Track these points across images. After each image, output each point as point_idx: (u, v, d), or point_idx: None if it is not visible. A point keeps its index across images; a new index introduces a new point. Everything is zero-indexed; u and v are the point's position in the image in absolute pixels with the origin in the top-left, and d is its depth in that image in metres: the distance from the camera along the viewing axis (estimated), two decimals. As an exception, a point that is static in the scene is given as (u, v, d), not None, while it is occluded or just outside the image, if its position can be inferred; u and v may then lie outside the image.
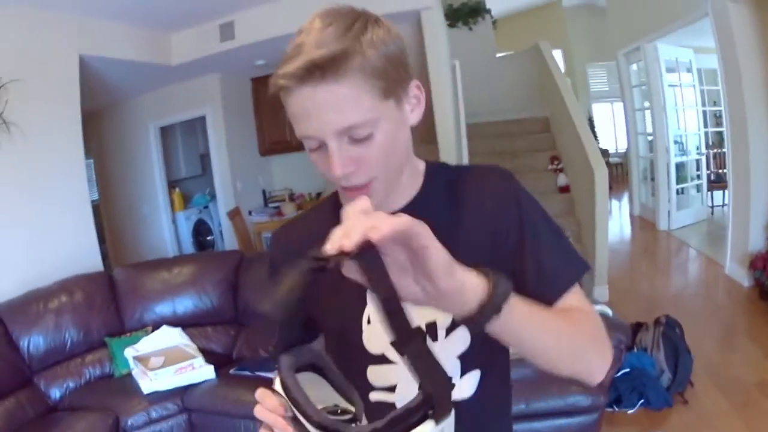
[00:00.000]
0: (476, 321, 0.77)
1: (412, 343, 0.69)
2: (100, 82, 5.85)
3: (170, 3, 5.17)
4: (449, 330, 0.98)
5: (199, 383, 3.40)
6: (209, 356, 3.58)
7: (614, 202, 11.08)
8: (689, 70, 8.44)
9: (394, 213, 0.91)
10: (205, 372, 3.43)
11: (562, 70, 12.60)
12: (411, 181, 1.07)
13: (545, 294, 0.97)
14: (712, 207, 8.85)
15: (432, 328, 0.98)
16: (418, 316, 0.87)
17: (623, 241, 8.53)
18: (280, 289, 0.69)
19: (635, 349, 3.82)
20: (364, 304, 1.01)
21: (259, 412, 0.77)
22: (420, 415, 0.66)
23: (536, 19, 13.81)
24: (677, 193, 8.35)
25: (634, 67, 9.13)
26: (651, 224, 8.60)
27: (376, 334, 1.01)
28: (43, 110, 4.43)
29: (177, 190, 8.31)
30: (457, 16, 9.87)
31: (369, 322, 1.02)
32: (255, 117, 8.22)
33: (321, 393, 0.74)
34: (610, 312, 3.21)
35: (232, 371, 3.51)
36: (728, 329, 4.78)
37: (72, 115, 4.77)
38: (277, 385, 0.72)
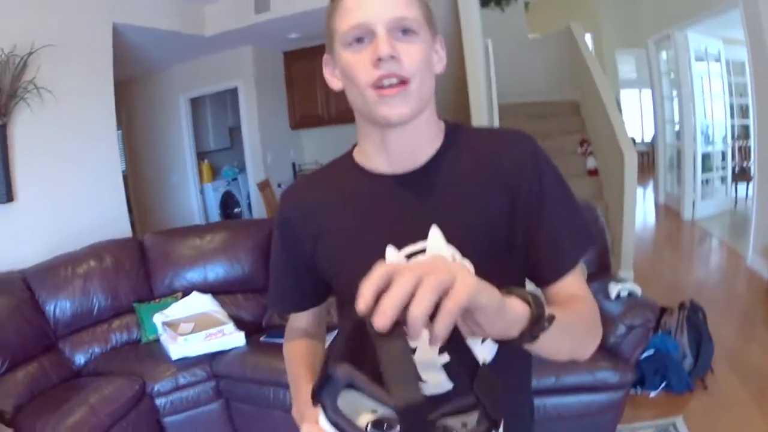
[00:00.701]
0: (513, 343, 0.82)
1: (481, 378, 0.74)
2: (132, 52, 5.88)
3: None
4: None
5: (228, 350, 3.40)
6: (239, 324, 3.57)
7: (639, 190, 11.01)
8: (717, 60, 8.37)
9: (425, 164, 1.02)
10: (236, 339, 3.43)
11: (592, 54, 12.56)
12: (433, 135, 1.10)
13: (553, 266, 1.03)
14: (736, 199, 8.81)
15: None
16: None
17: (647, 228, 8.49)
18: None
19: (659, 331, 3.84)
20: (382, 255, 1.03)
21: None
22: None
23: (568, 2, 13.70)
24: (702, 183, 8.31)
25: (664, 55, 9.05)
26: (675, 213, 8.58)
27: None
28: (76, 77, 4.43)
29: (206, 161, 8.36)
30: (489, -2, 9.84)
31: None
32: (287, 90, 8.25)
33: (361, 405, 0.75)
34: (639, 291, 3.23)
35: (262, 339, 3.51)
36: (747, 319, 4.78)
37: (104, 84, 4.80)
38: (322, 422, 0.73)
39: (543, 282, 1.06)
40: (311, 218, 1.14)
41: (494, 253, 1.02)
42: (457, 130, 1.13)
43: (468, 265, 0.98)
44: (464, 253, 1.01)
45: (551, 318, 0.82)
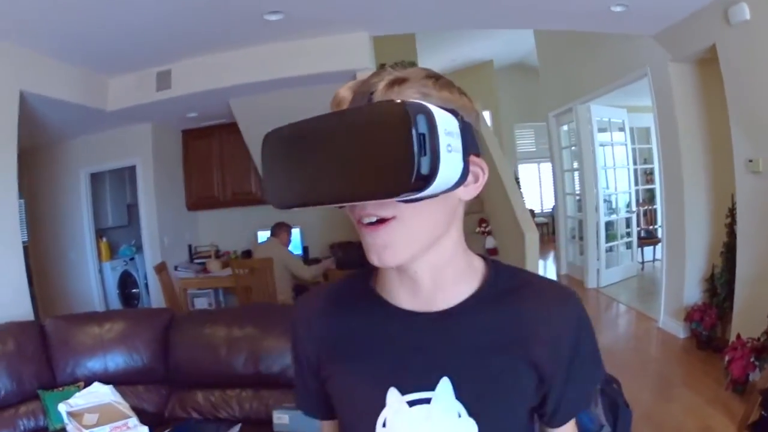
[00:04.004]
0: None
1: None
2: (36, 121, 5.85)
3: (112, 45, 5.16)
4: None
5: (133, 443, 3.30)
6: (142, 415, 3.43)
7: (540, 262, 11.23)
8: (622, 129, 8.72)
9: (450, 308, 0.95)
10: (140, 432, 3.34)
11: (491, 130, 12.88)
12: (467, 275, 1.01)
13: (560, 417, 1.04)
14: (643, 263, 9.11)
15: None
16: (437, 429, 0.93)
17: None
18: None
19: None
20: (383, 406, 0.97)
21: None
22: None
23: (467, 78, 14.03)
24: (606, 250, 8.53)
25: (565, 128, 9.37)
26: (579, 282, 8.74)
27: None
28: None
29: (104, 239, 8.19)
30: (389, 75, 10.04)
31: (384, 425, 0.96)
32: (184, 169, 8.26)
33: None
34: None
35: None
36: (665, 380, 4.90)
37: (8, 152, 4.70)
38: None
39: (546, 424, 1.06)
40: (322, 341, 1.08)
41: (507, 417, 0.98)
42: (498, 273, 1.03)
43: (471, 426, 0.93)
44: (472, 412, 0.94)
45: None
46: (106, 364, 3.82)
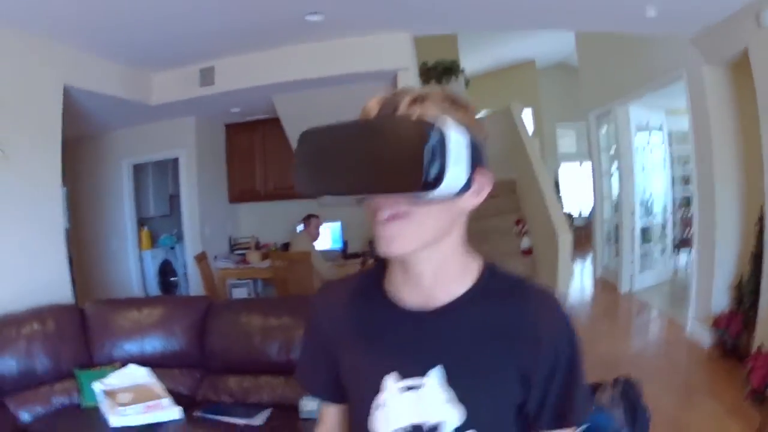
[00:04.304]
0: None
1: None
2: (80, 113, 5.98)
3: (155, 43, 5.31)
4: (458, 429, 1.05)
5: (165, 422, 3.43)
6: (175, 397, 3.60)
7: (578, 264, 11.24)
8: (661, 131, 8.71)
9: (445, 305, 1.07)
10: (173, 412, 3.46)
11: (532, 129, 12.77)
12: (463, 275, 1.12)
13: (545, 420, 1.10)
14: (676, 268, 9.05)
15: (437, 429, 1.05)
16: (427, 413, 1.04)
17: (584, 303, 8.64)
18: None
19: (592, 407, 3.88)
20: (380, 388, 1.09)
21: None
22: None
23: (509, 77, 14.05)
24: (641, 255, 8.51)
25: (604, 129, 9.33)
26: (613, 286, 8.74)
27: (384, 419, 1.09)
28: (26, 135, 4.53)
29: (145, 228, 8.37)
30: (431, 75, 10.06)
31: (381, 406, 1.09)
32: (227, 163, 8.40)
33: None
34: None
35: (197, 413, 3.53)
36: (688, 387, 4.87)
37: (53, 143, 4.87)
38: None
39: (535, 427, 1.12)
40: (335, 326, 1.21)
41: (494, 404, 1.08)
42: (494, 274, 1.14)
43: (462, 411, 1.04)
44: (463, 399, 1.05)
45: None
46: (144, 347, 3.98)
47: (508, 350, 1.07)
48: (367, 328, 1.16)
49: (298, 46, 5.69)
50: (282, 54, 5.79)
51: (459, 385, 1.05)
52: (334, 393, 1.24)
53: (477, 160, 0.99)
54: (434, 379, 1.05)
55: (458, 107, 1.02)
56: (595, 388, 3.97)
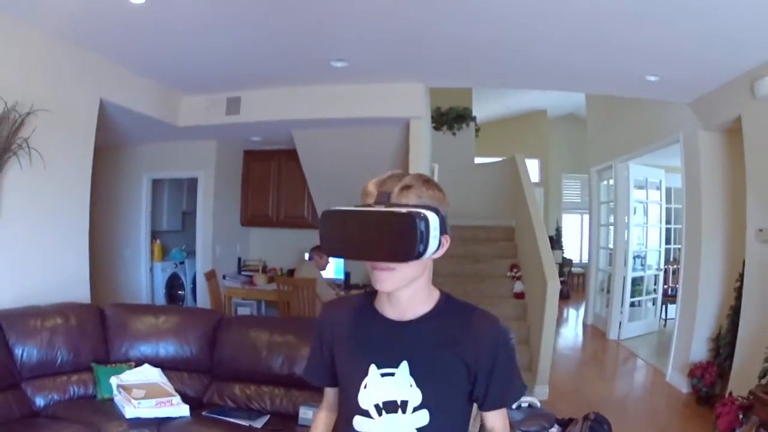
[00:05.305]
0: None
1: None
2: (110, 125, 6.22)
3: (189, 68, 5.62)
4: (416, 408, 1.45)
5: (174, 418, 3.74)
6: (184, 398, 3.91)
7: (572, 311, 11.60)
8: (658, 188, 9.06)
9: (413, 319, 1.51)
10: (182, 409, 3.79)
11: (538, 178, 12.98)
12: (427, 301, 1.52)
13: (488, 404, 1.53)
14: (666, 319, 9.38)
15: (404, 404, 1.45)
16: (397, 393, 1.46)
17: (574, 348, 8.98)
18: None
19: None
20: (365, 374, 1.48)
21: None
22: None
23: (520, 126, 14.24)
24: (631, 305, 8.85)
25: (605, 183, 9.70)
26: (602, 333, 9.07)
27: (367, 396, 1.48)
28: (63, 143, 4.80)
29: (158, 241, 8.64)
30: (443, 121, 10.41)
31: (365, 387, 1.48)
32: (242, 187, 8.71)
33: None
34: (538, 403, 3.69)
35: (204, 413, 3.86)
36: (663, 429, 5.16)
37: (86, 152, 5.18)
38: None
39: (480, 408, 1.56)
40: (336, 329, 1.62)
41: (443, 390, 1.49)
42: (449, 300, 1.56)
43: (418, 393, 1.45)
44: (420, 385, 1.45)
45: None
46: (158, 350, 4.32)
47: (457, 352, 1.47)
48: (359, 331, 1.56)
49: (321, 87, 6.04)
50: (305, 93, 6.14)
51: (418, 375, 1.45)
52: (332, 379, 1.65)
53: (444, 229, 1.37)
54: (403, 370, 1.45)
55: (432, 187, 1.43)
56: (568, 422, 4.32)
